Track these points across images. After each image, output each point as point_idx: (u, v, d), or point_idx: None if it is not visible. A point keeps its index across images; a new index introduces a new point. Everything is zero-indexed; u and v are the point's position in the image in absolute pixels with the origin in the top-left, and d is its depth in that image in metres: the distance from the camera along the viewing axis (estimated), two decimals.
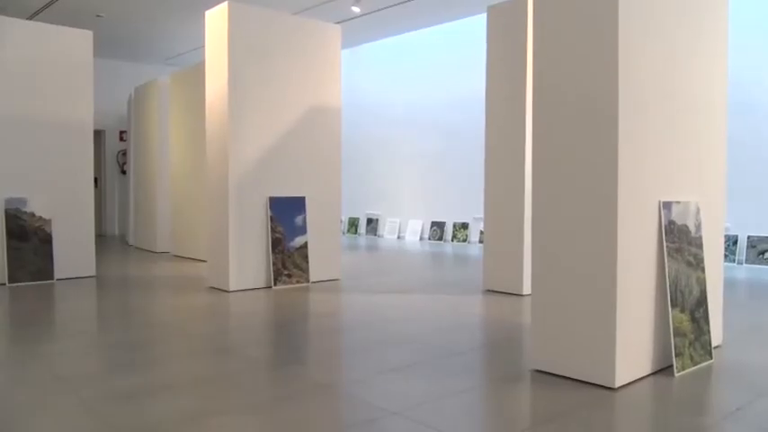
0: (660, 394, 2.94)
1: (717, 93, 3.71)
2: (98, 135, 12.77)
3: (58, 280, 6.46)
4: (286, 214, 6.16)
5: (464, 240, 10.82)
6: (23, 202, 6.31)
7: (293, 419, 2.61)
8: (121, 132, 13.24)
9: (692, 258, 3.37)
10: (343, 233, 12.97)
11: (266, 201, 6.04)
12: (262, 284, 6.02)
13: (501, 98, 5.73)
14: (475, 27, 10.26)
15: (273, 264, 6.01)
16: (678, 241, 3.29)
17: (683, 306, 3.28)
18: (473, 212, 10.64)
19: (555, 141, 3.19)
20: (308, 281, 6.25)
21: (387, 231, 12.24)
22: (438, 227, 11.27)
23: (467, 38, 10.70)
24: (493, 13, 5.87)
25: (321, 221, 6.48)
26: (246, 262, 5.91)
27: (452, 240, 11.02)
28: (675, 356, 3.18)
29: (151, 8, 9.76)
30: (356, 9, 9.86)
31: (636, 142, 3.04)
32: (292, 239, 6.19)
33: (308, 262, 6.27)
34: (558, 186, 3.17)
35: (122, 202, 12.93)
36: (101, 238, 12.24)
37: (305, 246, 6.27)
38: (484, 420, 2.71)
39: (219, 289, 5.93)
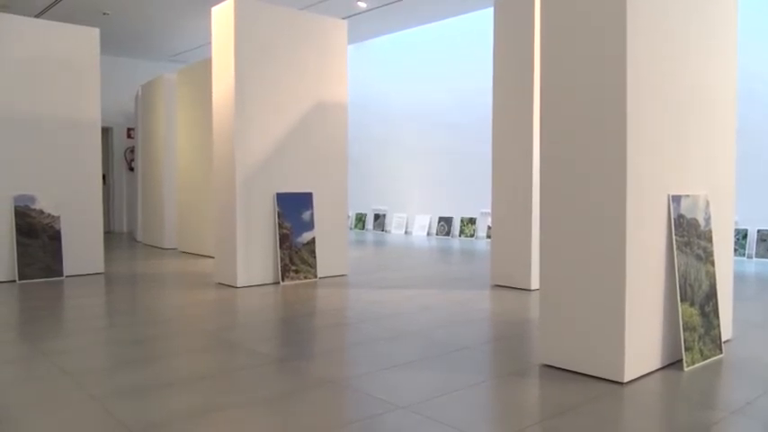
0: (669, 389, 2.92)
1: (726, 85, 3.68)
2: (106, 132, 12.82)
3: (66, 277, 6.50)
4: (293, 210, 6.16)
5: (471, 235, 10.80)
6: (32, 199, 6.34)
7: (300, 414, 2.61)
8: (129, 129, 13.28)
9: (701, 252, 3.34)
10: (351, 229, 12.98)
11: (273, 197, 6.05)
12: (269, 280, 6.03)
13: (508, 92, 5.70)
14: (482, 21, 10.22)
15: (281, 259, 6.02)
16: (687, 235, 3.27)
17: (693, 300, 3.26)
18: (480, 207, 10.62)
19: (563, 135, 3.17)
20: (315, 276, 6.26)
21: (394, 227, 12.24)
22: (445, 222, 11.26)
23: (474, 32, 10.66)
24: (500, 6, 5.83)
25: (328, 217, 6.48)
26: (254, 258, 5.92)
27: (460, 235, 11.00)
28: (685, 351, 3.16)
29: (157, 5, 9.77)
30: (362, 4, 9.83)
31: (644, 136, 3.02)
32: (300, 235, 6.20)
33: (315, 258, 6.27)
34: (567, 180, 3.16)
35: (130, 199, 12.98)
36: (109, 234, 12.30)
37: (312, 241, 6.27)
38: (492, 415, 2.70)
39: (227, 285, 5.95)
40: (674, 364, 3.23)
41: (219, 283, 6.07)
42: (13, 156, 6.28)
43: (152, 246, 10.04)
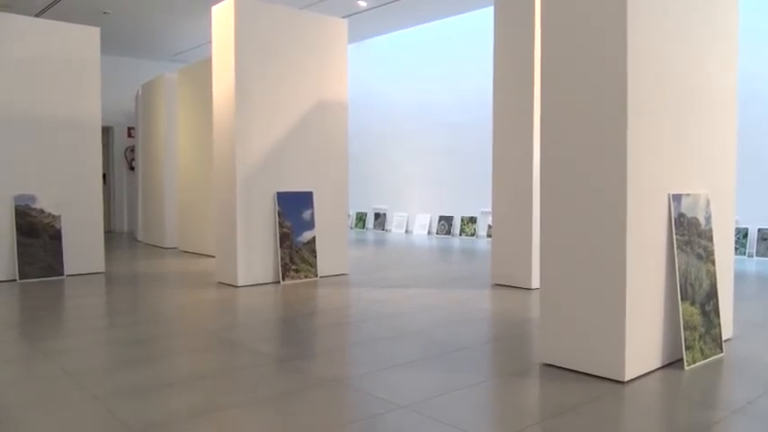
0: (670, 388, 2.92)
1: (726, 85, 3.68)
2: (106, 132, 12.82)
3: (67, 276, 6.50)
4: (294, 209, 6.17)
5: (472, 234, 10.80)
6: (33, 198, 6.35)
7: (301, 414, 2.61)
8: (129, 129, 13.29)
9: (701, 251, 3.34)
10: (351, 228, 12.98)
11: (274, 196, 6.05)
12: (270, 279, 6.03)
13: (508, 92, 5.70)
14: (482, 20, 10.21)
15: (281, 259, 6.02)
16: (688, 234, 3.27)
17: (694, 299, 3.26)
18: (481, 206, 10.62)
19: (563, 135, 3.17)
20: (316, 276, 6.26)
21: (394, 226, 12.24)
22: (446, 221, 11.26)
23: (475, 32, 10.65)
24: (500, 6, 5.83)
25: (329, 216, 6.48)
26: (254, 257, 5.92)
27: (460, 234, 11.00)
28: (685, 350, 3.16)
29: (157, 5, 9.77)
30: (362, 3, 9.83)
31: (645, 135, 3.02)
32: (300, 234, 6.20)
33: (315, 257, 6.27)
34: (567, 179, 3.16)
35: (131, 199, 12.98)
36: (109, 234, 12.30)
37: (313, 241, 6.27)
38: (493, 414, 2.70)
39: (228, 284, 5.95)
40: (674, 363, 3.23)
41: (220, 283, 6.07)
42: (13, 155, 6.28)
43: (153, 245, 10.05)
